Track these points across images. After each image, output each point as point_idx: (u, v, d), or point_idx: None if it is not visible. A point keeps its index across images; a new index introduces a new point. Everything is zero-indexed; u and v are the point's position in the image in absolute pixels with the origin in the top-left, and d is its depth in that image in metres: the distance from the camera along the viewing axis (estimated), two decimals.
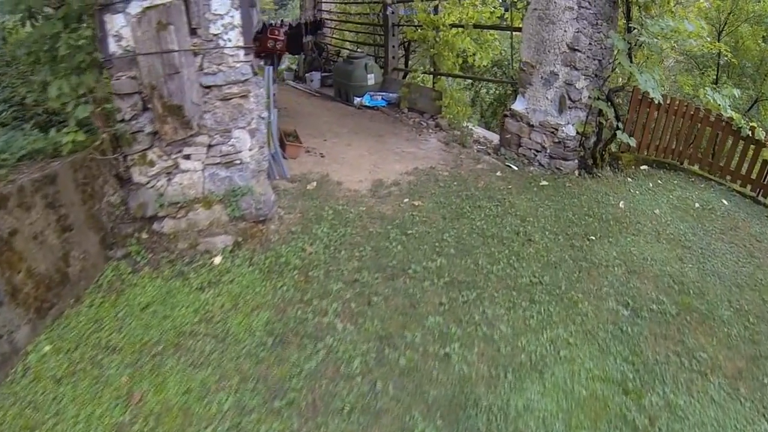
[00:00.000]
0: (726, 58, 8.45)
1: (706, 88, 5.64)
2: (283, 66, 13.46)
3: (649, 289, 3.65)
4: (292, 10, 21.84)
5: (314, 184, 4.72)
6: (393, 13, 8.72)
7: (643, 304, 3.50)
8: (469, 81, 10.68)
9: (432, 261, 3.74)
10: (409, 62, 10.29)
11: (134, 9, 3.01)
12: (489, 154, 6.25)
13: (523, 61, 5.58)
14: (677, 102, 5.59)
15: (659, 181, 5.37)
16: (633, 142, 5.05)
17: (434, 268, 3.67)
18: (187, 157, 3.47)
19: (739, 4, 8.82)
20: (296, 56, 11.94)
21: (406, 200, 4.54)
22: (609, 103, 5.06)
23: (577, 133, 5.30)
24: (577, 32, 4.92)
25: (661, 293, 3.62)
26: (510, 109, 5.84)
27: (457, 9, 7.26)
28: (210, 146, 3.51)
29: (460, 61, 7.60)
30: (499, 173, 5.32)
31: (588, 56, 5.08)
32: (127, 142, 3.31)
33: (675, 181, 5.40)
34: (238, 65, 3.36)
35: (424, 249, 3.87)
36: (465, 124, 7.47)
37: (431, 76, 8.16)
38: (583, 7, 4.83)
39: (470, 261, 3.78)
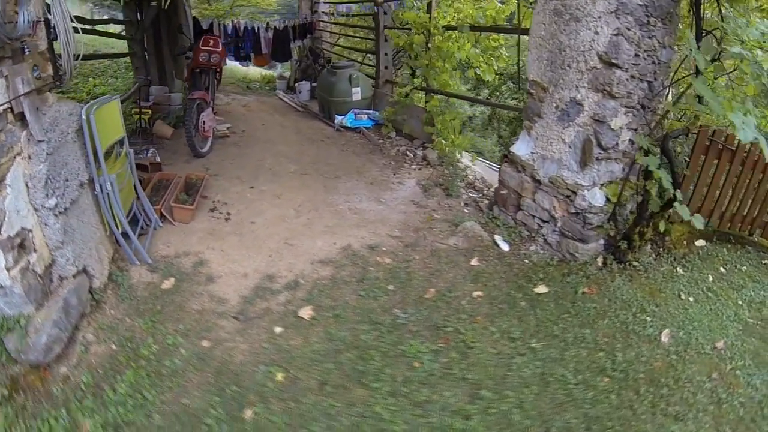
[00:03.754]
0: None
1: None
2: (275, 73, 12.00)
3: None
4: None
5: (172, 280, 3.01)
6: (385, 13, 6.94)
7: None
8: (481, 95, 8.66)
9: None
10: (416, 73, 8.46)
11: None
12: (481, 210, 4.34)
13: (530, 80, 3.64)
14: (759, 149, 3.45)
15: (722, 269, 3.51)
16: (700, 223, 2.88)
17: None
18: None
19: None
20: (285, 63, 10.44)
21: (278, 329, 2.68)
22: (664, 157, 3.03)
23: (608, 201, 3.29)
24: (616, 35, 2.92)
25: None
26: (509, 151, 3.91)
27: (452, 7, 5.34)
28: None
29: (459, 74, 5.67)
30: (475, 260, 3.37)
31: (633, 75, 3.07)
32: None
33: (743, 267, 3.56)
34: None
35: None
36: (460, 159, 5.57)
37: (424, 92, 6.30)
38: None
39: None
